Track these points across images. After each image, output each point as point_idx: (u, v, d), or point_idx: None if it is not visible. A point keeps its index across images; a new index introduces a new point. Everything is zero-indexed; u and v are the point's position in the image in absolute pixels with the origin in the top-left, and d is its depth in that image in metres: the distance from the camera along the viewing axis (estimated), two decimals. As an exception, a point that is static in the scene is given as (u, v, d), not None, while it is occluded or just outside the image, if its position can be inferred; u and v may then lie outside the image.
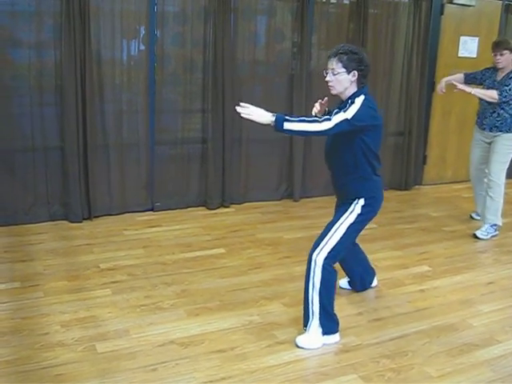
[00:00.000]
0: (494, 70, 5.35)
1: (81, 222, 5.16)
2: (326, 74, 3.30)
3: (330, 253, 3.30)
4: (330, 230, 3.36)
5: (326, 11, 6.18)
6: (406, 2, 6.53)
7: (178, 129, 5.63)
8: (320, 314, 3.31)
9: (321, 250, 3.30)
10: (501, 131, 5.25)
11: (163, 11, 5.30)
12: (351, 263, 3.91)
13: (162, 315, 3.60)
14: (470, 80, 5.53)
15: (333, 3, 6.26)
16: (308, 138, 6.18)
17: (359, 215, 3.37)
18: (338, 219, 3.38)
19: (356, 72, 3.24)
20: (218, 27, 5.42)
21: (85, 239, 4.81)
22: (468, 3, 6.87)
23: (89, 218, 5.24)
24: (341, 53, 3.23)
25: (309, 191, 6.39)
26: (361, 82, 3.28)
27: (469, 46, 6.90)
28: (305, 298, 3.34)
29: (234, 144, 5.84)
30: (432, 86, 6.78)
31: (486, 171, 5.42)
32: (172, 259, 4.49)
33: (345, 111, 3.15)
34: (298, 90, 6.00)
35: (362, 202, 3.36)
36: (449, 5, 6.82)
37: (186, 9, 5.40)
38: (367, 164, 3.35)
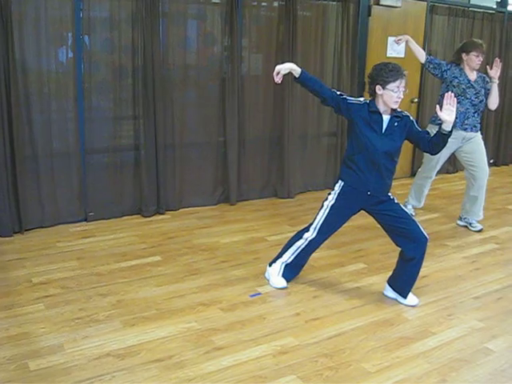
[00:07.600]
0: (460, 69, 5.39)
1: (11, 236, 4.99)
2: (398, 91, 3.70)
3: None
4: (410, 219, 3.95)
5: (255, 14, 6.20)
6: (334, 4, 6.62)
7: (109, 136, 5.52)
8: None
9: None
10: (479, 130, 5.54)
11: (89, 17, 5.18)
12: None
13: (97, 327, 3.52)
14: (433, 64, 5.45)
15: (263, 6, 6.29)
16: (242, 139, 6.19)
17: None
18: (403, 211, 3.97)
19: None
20: (147, 32, 5.36)
21: (16, 253, 4.66)
22: (394, 4, 7.04)
23: (20, 232, 5.07)
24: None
25: (245, 194, 6.38)
26: None
27: (396, 47, 7.03)
28: (416, 270, 3.98)
29: (167, 149, 5.76)
30: (362, 85, 6.87)
31: (472, 170, 5.57)
32: (107, 269, 4.40)
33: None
34: (231, 93, 5.99)
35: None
36: (376, 6, 6.97)
37: (113, 14, 5.30)
38: None
